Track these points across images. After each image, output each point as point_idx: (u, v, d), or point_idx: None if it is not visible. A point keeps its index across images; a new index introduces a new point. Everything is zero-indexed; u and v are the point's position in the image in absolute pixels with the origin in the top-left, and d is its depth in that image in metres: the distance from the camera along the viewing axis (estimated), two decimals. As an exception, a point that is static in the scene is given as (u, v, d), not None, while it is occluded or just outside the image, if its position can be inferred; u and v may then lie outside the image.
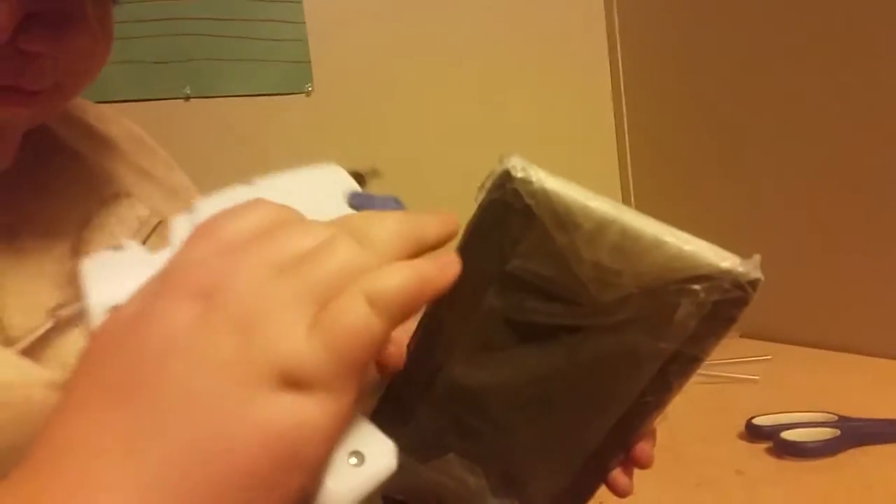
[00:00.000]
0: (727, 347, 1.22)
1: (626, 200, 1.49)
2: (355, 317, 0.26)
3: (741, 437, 0.89)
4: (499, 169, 0.39)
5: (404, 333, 0.47)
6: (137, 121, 1.11)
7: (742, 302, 0.39)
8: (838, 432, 0.83)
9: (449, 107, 1.36)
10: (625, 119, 1.47)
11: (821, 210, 1.15)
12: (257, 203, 0.31)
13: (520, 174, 0.38)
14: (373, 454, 0.28)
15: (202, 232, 0.30)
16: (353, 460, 0.28)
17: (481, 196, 0.39)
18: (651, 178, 1.44)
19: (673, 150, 1.38)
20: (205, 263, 0.28)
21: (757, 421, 0.88)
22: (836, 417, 0.87)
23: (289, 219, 0.31)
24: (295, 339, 0.26)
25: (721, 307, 0.39)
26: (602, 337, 0.41)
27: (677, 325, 0.40)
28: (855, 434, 0.83)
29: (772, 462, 0.83)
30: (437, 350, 0.44)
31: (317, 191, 0.39)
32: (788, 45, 1.16)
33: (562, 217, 0.39)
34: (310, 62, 1.27)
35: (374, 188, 0.44)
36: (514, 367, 0.43)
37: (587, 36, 1.50)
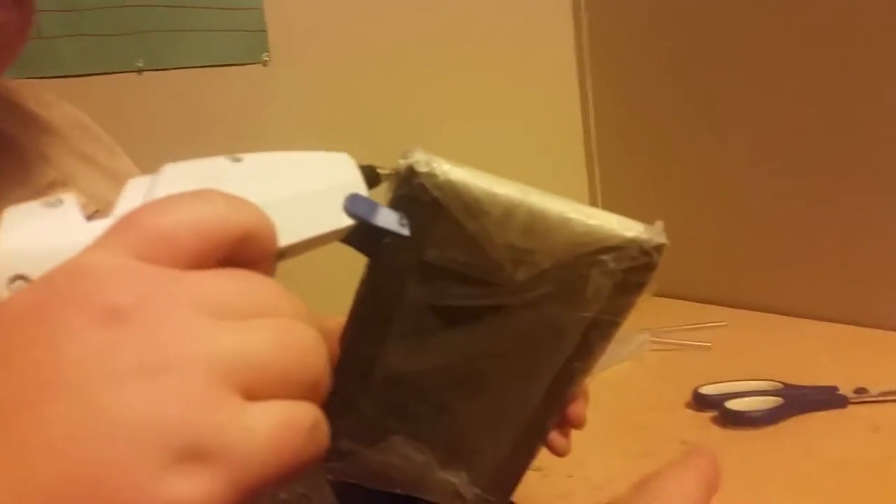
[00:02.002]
0: (682, 314, 1.25)
1: (591, 176, 1.49)
2: (304, 436, 0.24)
3: (688, 406, 0.91)
4: (403, 165, 0.39)
5: (336, 328, 0.48)
6: (88, 96, 1.10)
7: (650, 267, 0.41)
8: (781, 401, 0.85)
9: (412, 77, 1.35)
10: (590, 98, 1.46)
11: (777, 179, 1.16)
12: (212, 199, 0.25)
13: (424, 168, 0.39)
14: None
15: (130, 225, 0.24)
16: None
17: (389, 193, 0.40)
18: (617, 160, 1.44)
19: (639, 116, 1.38)
20: (126, 272, 0.23)
21: (703, 390, 0.90)
22: (780, 385, 0.89)
23: (251, 234, 0.26)
24: (223, 411, 0.22)
25: (631, 274, 0.41)
26: (524, 312, 0.43)
27: (592, 295, 0.42)
28: (797, 402, 0.85)
29: (716, 432, 0.85)
30: (368, 341, 0.46)
31: (312, 182, 0.34)
32: (754, 32, 1.16)
33: (470, 205, 0.40)
34: (266, 31, 1.25)
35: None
36: (445, 349, 0.45)
37: (552, 13, 1.48)
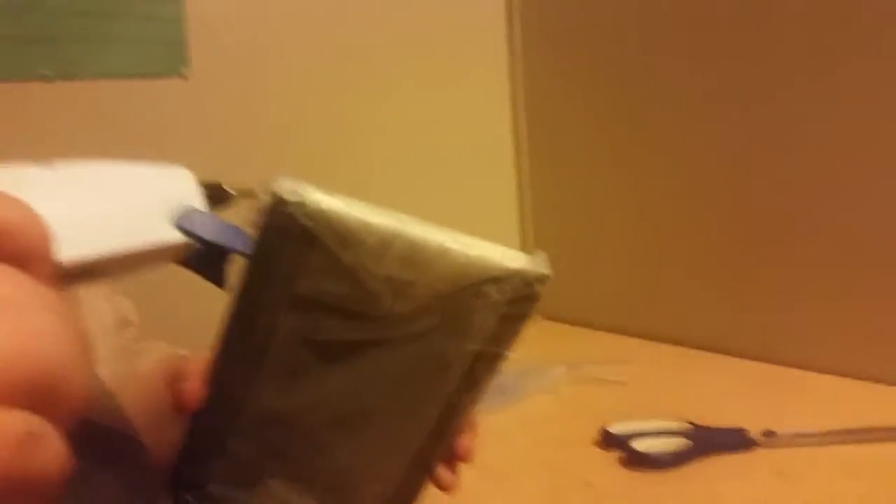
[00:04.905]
0: (600, 347, 1.23)
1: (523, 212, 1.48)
2: (10, 448, 0.20)
3: (596, 444, 0.89)
4: (270, 194, 0.38)
5: (203, 366, 0.45)
6: (-9, 104, 1.05)
7: (532, 298, 0.40)
8: (689, 442, 0.84)
9: (339, 96, 1.32)
10: (522, 129, 1.45)
11: (696, 214, 1.16)
12: None
13: (293, 198, 0.38)
14: None
15: None
16: None
17: (259, 223, 0.38)
18: (546, 194, 1.43)
19: (558, 149, 1.37)
20: None
21: (611, 428, 0.88)
22: (689, 427, 0.88)
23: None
24: None
25: (515, 305, 0.41)
26: (406, 346, 0.42)
27: (477, 327, 0.41)
28: (705, 444, 0.84)
29: (621, 473, 0.83)
30: (238, 380, 0.44)
31: (133, 195, 0.32)
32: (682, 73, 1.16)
33: (343, 235, 0.38)
34: (186, 43, 1.21)
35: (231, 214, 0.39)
36: (324, 385, 0.43)
37: (485, 33, 1.47)
